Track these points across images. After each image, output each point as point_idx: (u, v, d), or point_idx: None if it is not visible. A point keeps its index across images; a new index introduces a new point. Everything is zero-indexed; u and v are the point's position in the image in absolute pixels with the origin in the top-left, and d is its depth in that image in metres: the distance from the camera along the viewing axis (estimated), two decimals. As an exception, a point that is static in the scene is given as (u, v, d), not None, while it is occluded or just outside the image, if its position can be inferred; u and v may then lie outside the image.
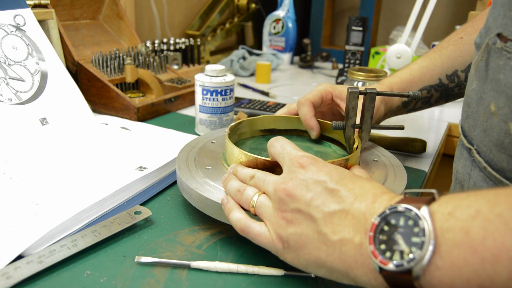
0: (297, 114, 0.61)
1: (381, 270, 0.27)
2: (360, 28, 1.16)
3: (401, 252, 0.26)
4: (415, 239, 0.26)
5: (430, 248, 0.25)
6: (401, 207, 0.27)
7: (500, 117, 0.36)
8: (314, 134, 0.54)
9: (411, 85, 0.59)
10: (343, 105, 0.56)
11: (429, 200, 0.27)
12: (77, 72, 0.81)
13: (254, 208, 0.37)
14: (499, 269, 0.23)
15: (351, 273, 0.30)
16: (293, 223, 0.33)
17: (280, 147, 0.38)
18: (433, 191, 0.28)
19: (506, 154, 0.36)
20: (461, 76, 0.58)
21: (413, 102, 0.60)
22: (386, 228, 0.28)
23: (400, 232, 0.27)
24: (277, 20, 1.46)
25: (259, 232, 0.36)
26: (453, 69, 0.58)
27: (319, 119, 0.57)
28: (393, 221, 0.27)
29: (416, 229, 0.26)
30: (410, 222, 0.27)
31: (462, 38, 0.58)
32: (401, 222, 0.27)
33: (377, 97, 0.56)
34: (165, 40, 1.11)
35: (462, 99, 1.13)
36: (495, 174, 0.38)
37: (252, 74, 1.28)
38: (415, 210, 0.27)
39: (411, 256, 0.25)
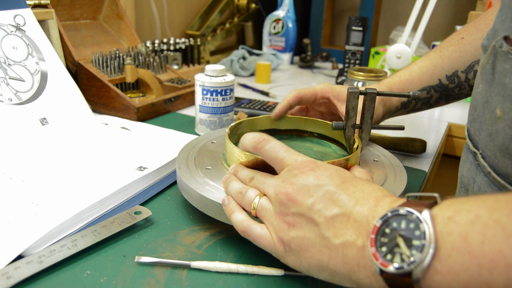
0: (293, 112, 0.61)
1: (382, 272, 0.27)
2: (360, 28, 1.16)
3: (402, 255, 0.26)
4: (416, 242, 0.26)
5: (431, 251, 0.25)
6: (403, 210, 0.27)
7: (505, 122, 0.35)
8: (272, 115, 0.57)
9: (410, 85, 0.58)
10: (340, 107, 0.56)
11: (431, 203, 0.27)
12: (77, 72, 0.81)
13: (255, 210, 0.37)
14: (496, 276, 0.23)
15: (354, 276, 0.30)
16: (295, 227, 0.33)
17: (273, 151, 0.38)
18: (435, 194, 0.28)
19: (511, 160, 0.36)
20: (461, 77, 0.58)
21: (413, 103, 0.60)
22: (387, 230, 0.28)
23: (401, 235, 0.27)
24: (277, 20, 1.46)
25: (261, 234, 0.36)
26: (453, 70, 0.58)
27: (319, 119, 0.57)
28: (394, 224, 0.27)
29: (417, 232, 0.26)
30: (412, 225, 0.27)
31: (463, 38, 0.58)
32: (403, 225, 0.27)
33: (376, 98, 0.56)
34: (165, 40, 1.11)
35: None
36: (499, 180, 0.37)
37: (252, 74, 1.28)
38: (416, 213, 0.27)
39: (412, 259, 0.25)
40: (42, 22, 0.73)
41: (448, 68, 0.58)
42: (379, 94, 0.48)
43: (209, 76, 0.70)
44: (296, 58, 1.58)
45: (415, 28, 1.11)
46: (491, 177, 0.38)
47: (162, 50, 1.09)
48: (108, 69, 0.85)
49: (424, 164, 0.67)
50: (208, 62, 1.34)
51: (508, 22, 0.36)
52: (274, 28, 1.47)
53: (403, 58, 1.07)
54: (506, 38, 0.36)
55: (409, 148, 0.69)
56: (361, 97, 0.49)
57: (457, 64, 0.58)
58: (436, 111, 0.99)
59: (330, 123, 0.53)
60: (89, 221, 0.44)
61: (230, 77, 0.71)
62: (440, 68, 0.58)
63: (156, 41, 1.09)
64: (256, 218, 0.37)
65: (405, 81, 0.58)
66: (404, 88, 0.58)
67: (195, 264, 0.38)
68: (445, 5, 1.55)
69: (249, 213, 0.38)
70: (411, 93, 0.49)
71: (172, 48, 1.11)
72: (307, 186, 0.33)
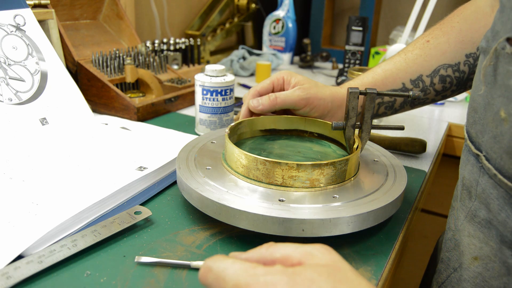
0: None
1: None
2: (360, 28, 1.16)
3: None
4: None
5: None
6: None
7: (510, 124, 0.35)
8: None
9: None
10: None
11: None
12: (77, 72, 0.81)
13: None
14: None
15: None
16: None
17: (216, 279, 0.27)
18: None
19: None
20: (426, 81, 0.57)
21: (376, 107, 0.59)
22: None
23: None
24: (277, 20, 1.46)
25: None
26: (418, 74, 0.57)
27: (318, 119, 0.57)
28: None
29: None
30: None
31: (428, 41, 0.57)
32: None
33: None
34: (165, 40, 1.11)
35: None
36: (506, 182, 0.37)
37: (252, 74, 1.28)
38: None
39: None
40: (42, 22, 0.73)
41: (412, 72, 0.57)
42: (379, 94, 0.48)
43: (209, 76, 0.70)
44: (296, 58, 1.58)
45: (415, 28, 1.11)
46: (497, 179, 0.38)
47: (162, 50, 1.09)
48: (108, 69, 0.85)
49: (424, 164, 0.67)
50: (208, 62, 1.34)
51: (510, 24, 0.36)
52: (274, 28, 1.47)
53: (403, 58, 1.07)
54: (509, 40, 0.35)
55: (409, 148, 0.69)
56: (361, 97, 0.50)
57: (422, 68, 0.57)
58: (436, 111, 0.99)
59: (330, 123, 0.53)
60: (89, 221, 0.44)
61: (230, 77, 0.71)
62: (404, 72, 0.57)
63: (156, 41, 1.09)
64: None
65: (368, 84, 0.57)
66: None
67: (195, 264, 0.38)
68: (445, 5, 1.55)
69: None
70: (411, 93, 0.49)
71: (172, 48, 1.11)
72: None
